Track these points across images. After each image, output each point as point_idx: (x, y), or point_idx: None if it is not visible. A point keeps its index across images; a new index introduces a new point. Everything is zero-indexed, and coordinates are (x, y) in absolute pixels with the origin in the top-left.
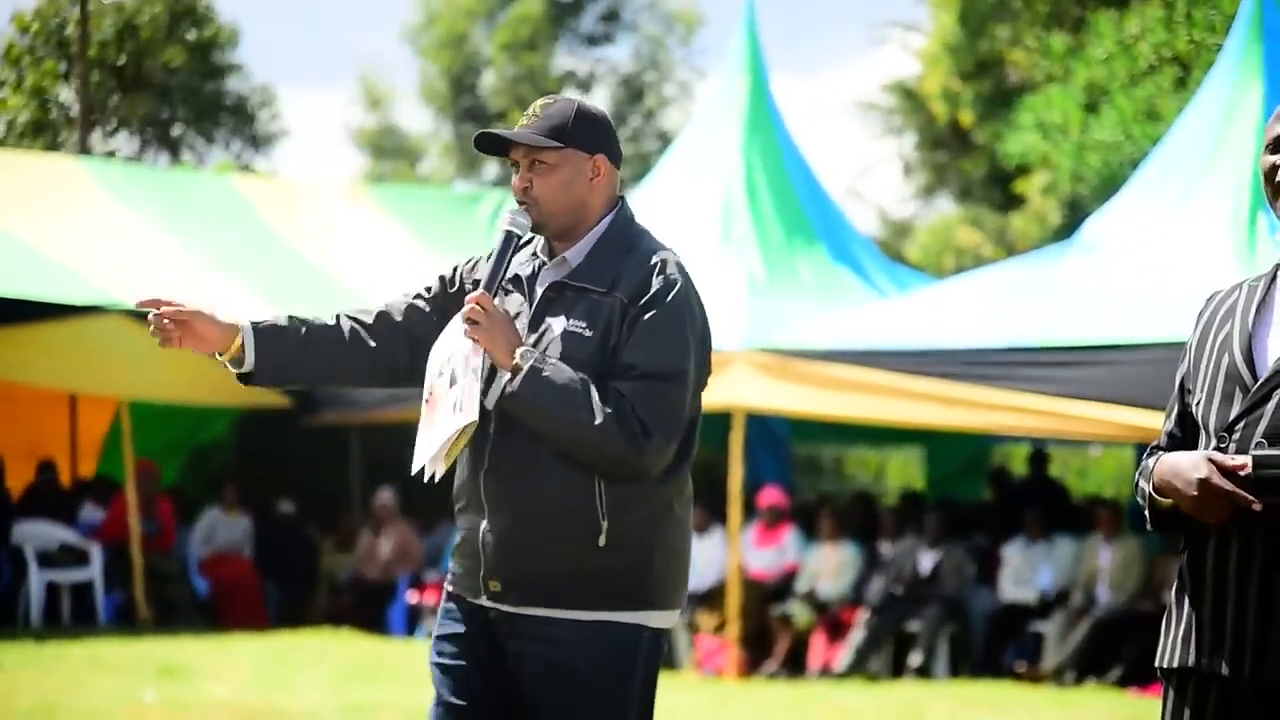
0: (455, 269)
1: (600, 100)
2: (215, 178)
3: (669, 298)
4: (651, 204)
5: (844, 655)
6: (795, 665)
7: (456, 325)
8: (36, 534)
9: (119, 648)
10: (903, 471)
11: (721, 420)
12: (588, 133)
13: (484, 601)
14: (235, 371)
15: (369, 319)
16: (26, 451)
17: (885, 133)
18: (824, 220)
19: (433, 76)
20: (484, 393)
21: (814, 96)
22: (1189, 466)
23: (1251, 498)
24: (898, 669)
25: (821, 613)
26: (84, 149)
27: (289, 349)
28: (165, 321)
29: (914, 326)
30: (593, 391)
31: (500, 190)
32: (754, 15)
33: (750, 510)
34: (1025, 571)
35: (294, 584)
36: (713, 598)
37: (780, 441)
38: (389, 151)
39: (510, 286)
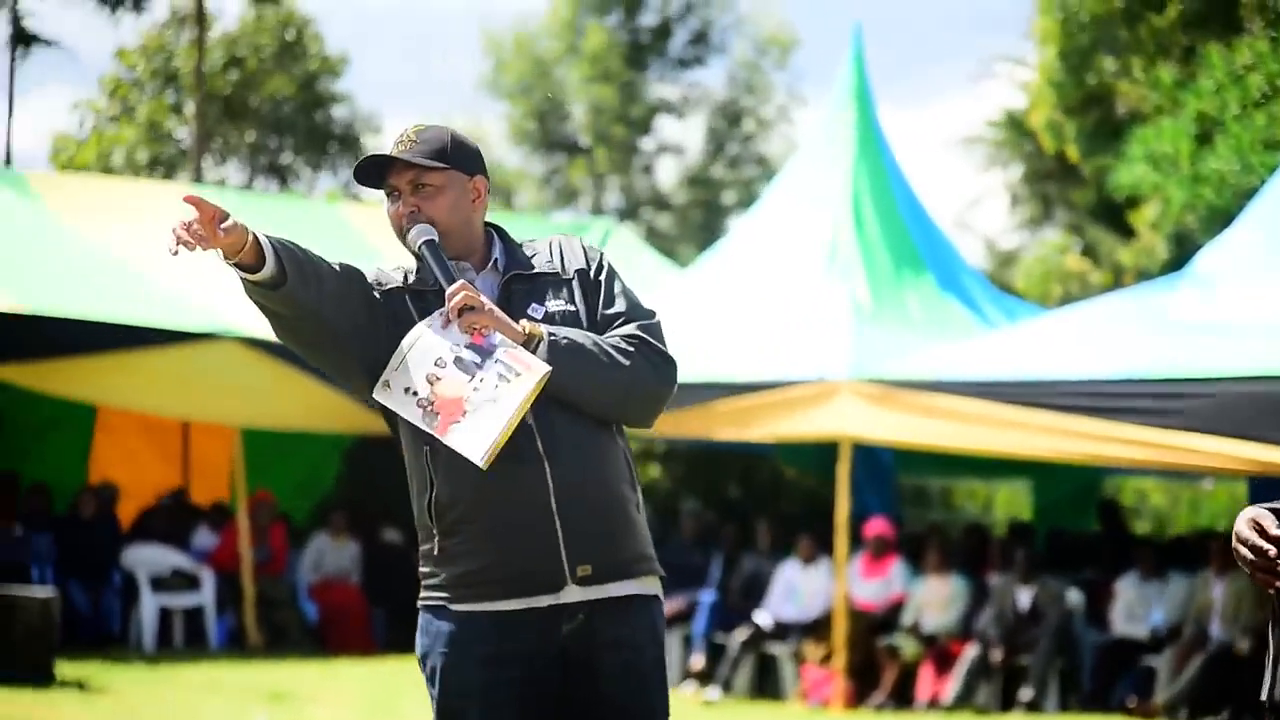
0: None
1: (696, 126)
2: (325, 206)
3: (605, 258)
4: (757, 233)
5: (952, 687)
6: (902, 697)
7: (428, 328)
8: (149, 559)
9: (229, 672)
10: (1010, 503)
11: (828, 450)
12: (465, 156)
13: (555, 600)
14: (247, 277)
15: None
16: (140, 478)
17: (991, 165)
18: (932, 250)
19: (518, 117)
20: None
21: (919, 130)
22: (1240, 520)
23: (1269, 572)
24: (1007, 703)
25: (929, 645)
26: (197, 178)
27: (297, 259)
28: (185, 235)
29: (1023, 357)
30: (603, 340)
31: (603, 219)
32: (860, 44)
33: (857, 541)
34: (1138, 607)
35: (400, 610)
36: (819, 628)
37: (887, 472)
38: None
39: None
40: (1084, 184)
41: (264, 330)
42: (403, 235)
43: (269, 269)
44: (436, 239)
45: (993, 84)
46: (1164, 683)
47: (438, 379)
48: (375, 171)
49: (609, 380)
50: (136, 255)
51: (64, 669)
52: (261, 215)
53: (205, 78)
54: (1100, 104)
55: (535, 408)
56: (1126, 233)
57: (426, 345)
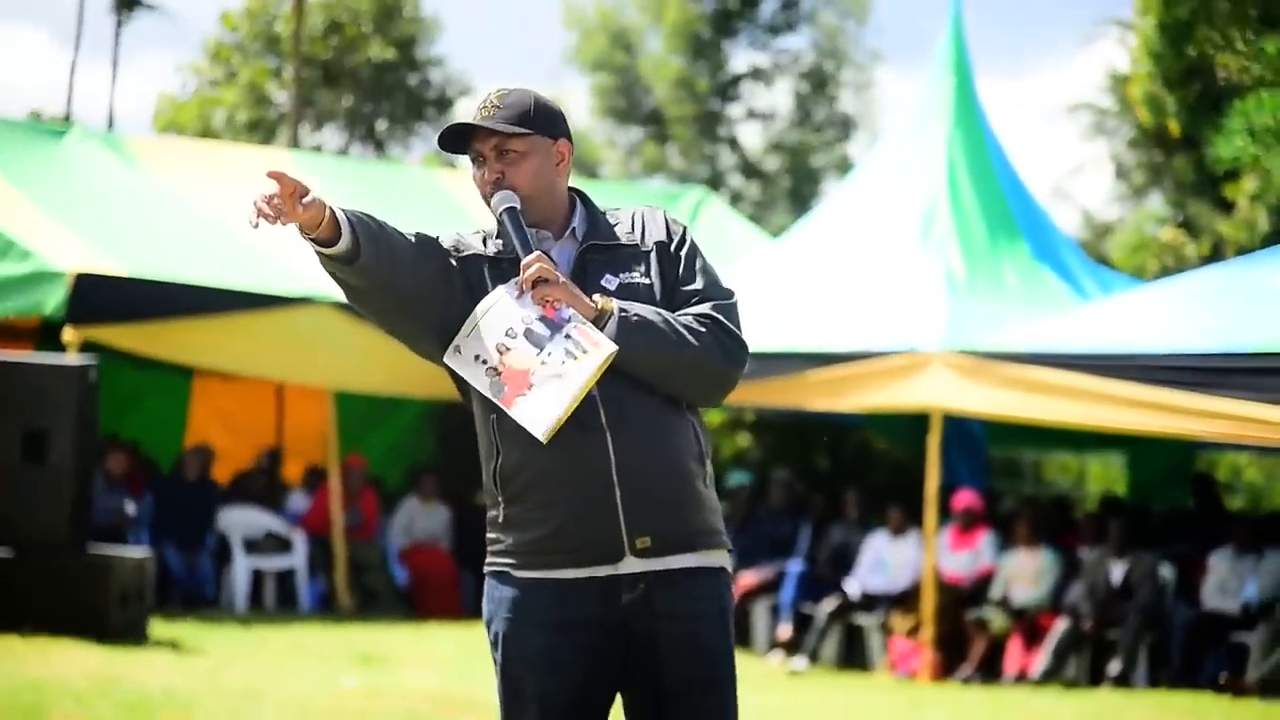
0: (439, 239)
1: (783, 93)
2: (421, 171)
3: (687, 232)
4: (852, 203)
5: (1041, 661)
6: (990, 670)
7: (503, 296)
8: (243, 521)
9: (320, 634)
10: (1103, 477)
11: (919, 421)
12: (549, 119)
13: (613, 570)
14: (322, 251)
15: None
16: (235, 439)
17: (1096, 133)
18: (1028, 220)
19: (601, 89)
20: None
21: (1021, 98)
22: None
23: None
24: (1095, 677)
25: (1017, 618)
26: (294, 143)
27: (372, 234)
28: (266, 208)
29: (1117, 330)
30: (676, 318)
31: (693, 188)
32: (960, 13)
33: (946, 513)
34: (1231, 582)
35: None
36: (907, 600)
37: (978, 444)
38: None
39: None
40: (1188, 155)
41: None
42: (488, 200)
43: (344, 244)
44: (517, 206)
45: (1099, 47)
46: (1256, 659)
47: (507, 349)
48: (460, 137)
49: (677, 359)
50: (233, 219)
51: (158, 629)
52: (357, 181)
53: (304, 43)
54: (1201, 76)
55: (602, 378)
56: (1226, 206)
57: (499, 314)
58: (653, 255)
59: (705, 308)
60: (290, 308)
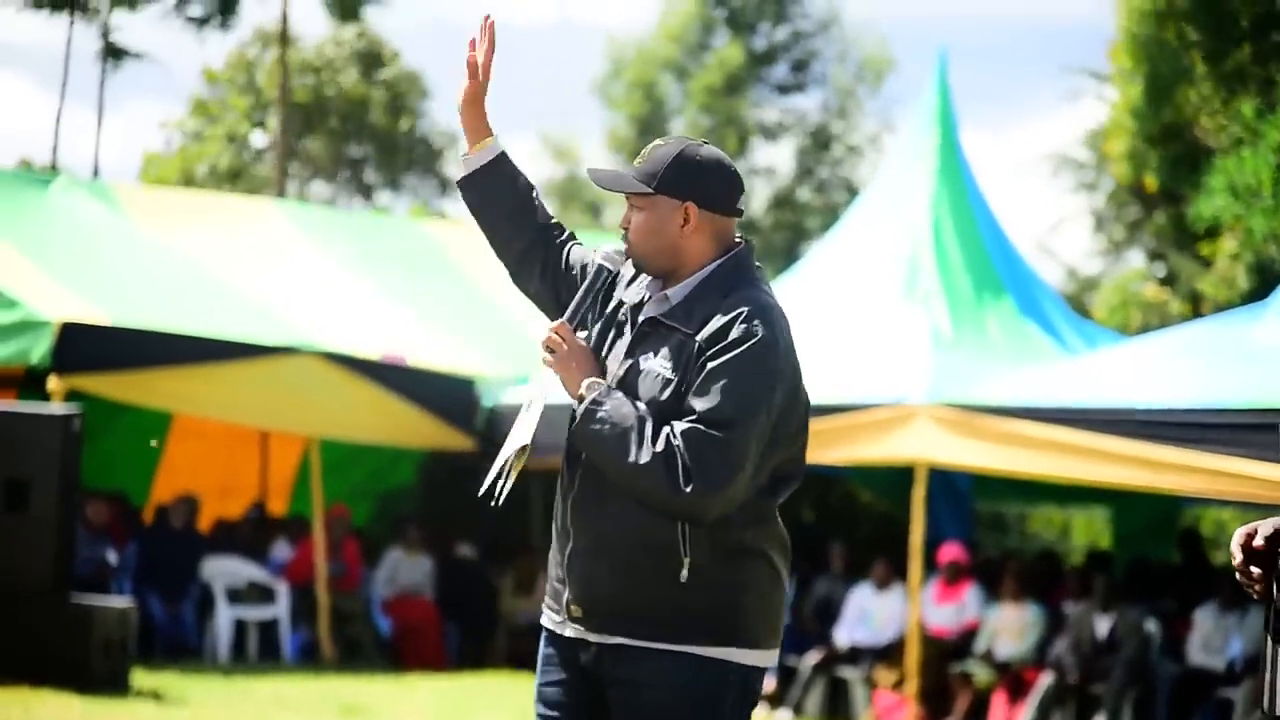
0: (575, 249)
1: (787, 151)
2: (407, 222)
3: (743, 347)
4: (836, 256)
5: (1025, 715)
6: None
7: None
8: (226, 570)
9: (303, 685)
10: (1088, 530)
11: (904, 474)
12: (681, 180)
13: (568, 631)
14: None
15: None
16: (218, 488)
17: (1078, 187)
18: (1012, 274)
19: (620, 125)
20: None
21: (1003, 152)
22: (1238, 531)
23: (1246, 575)
24: None
25: (1002, 672)
26: (280, 192)
27: (507, 179)
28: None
29: (1103, 384)
30: (647, 430)
31: None
32: (945, 67)
33: (931, 566)
34: (1216, 638)
35: (474, 626)
36: (892, 653)
37: (963, 498)
38: (575, 201)
39: (621, 315)
40: (1166, 212)
41: (342, 345)
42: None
43: (466, 169)
44: (608, 267)
45: (1080, 104)
46: (1240, 715)
47: (528, 407)
48: None
49: (617, 470)
50: (218, 267)
51: (140, 679)
52: (343, 231)
53: (289, 94)
54: (1179, 135)
55: None
56: (1206, 262)
57: (546, 377)
58: (693, 352)
59: (685, 428)
60: (276, 357)
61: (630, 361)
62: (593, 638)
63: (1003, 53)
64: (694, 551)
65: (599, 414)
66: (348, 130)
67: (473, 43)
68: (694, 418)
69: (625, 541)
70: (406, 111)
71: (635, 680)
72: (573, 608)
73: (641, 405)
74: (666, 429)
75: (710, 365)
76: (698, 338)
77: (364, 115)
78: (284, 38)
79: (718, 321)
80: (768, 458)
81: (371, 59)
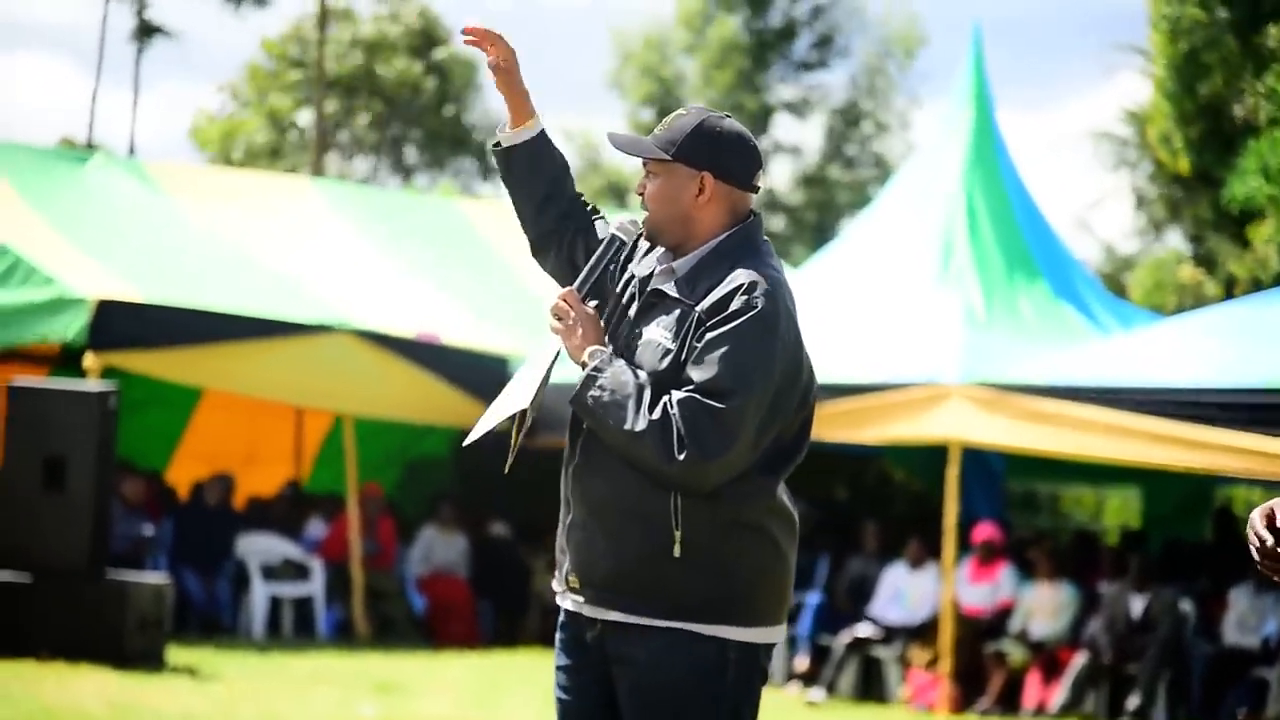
0: (598, 224)
1: (815, 128)
2: (441, 200)
3: (743, 318)
4: (870, 235)
5: (1059, 695)
6: (1009, 703)
7: None
8: (261, 547)
9: (337, 662)
10: (1120, 510)
11: (937, 454)
12: (699, 149)
13: (569, 604)
14: (499, 147)
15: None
16: (252, 464)
17: (1118, 164)
18: (1046, 254)
19: (638, 111)
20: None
21: (1042, 129)
22: (1255, 511)
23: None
24: (1114, 712)
25: (1036, 652)
26: (318, 171)
27: (544, 158)
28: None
29: (1136, 363)
30: (645, 398)
31: None
32: (980, 45)
33: (965, 545)
34: (1251, 617)
35: (507, 604)
36: (925, 632)
37: (996, 477)
38: (600, 188)
39: (632, 287)
40: (1204, 193)
41: (375, 323)
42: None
43: (502, 144)
44: (621, 237)
45: (1118, 80)
46: (1276, 695)
47: (530, 365)
48: None
49: (614, 438)
50: (253, 245)
51: (175, 655)
52: (380, 208)
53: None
54: (1213, 115)
55: None
56: (1245, 243)
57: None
58: (693, 322)
59: (682, 398)
60: (310, 334)
61: (634, 332)
62: (589, 611)
63: (1038, 27)
64: (688, 526)
65: (599, 380)
66: (391, 113)
67: (481, 41)
68: (691, 387)
69: (618, 511)
70: (455, 99)
71: (635, 659)
72: (571, 578)
73: (643, 374)
74: (665, 398)
75: (709, 336)
76: (698, 309)
77: (413, 99)
78: (322, 18)
79: (718, 293)
80: (766, 430)
81: (426, 38)
